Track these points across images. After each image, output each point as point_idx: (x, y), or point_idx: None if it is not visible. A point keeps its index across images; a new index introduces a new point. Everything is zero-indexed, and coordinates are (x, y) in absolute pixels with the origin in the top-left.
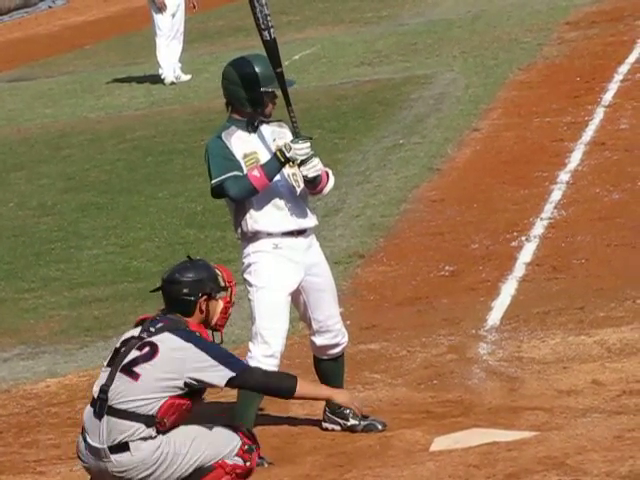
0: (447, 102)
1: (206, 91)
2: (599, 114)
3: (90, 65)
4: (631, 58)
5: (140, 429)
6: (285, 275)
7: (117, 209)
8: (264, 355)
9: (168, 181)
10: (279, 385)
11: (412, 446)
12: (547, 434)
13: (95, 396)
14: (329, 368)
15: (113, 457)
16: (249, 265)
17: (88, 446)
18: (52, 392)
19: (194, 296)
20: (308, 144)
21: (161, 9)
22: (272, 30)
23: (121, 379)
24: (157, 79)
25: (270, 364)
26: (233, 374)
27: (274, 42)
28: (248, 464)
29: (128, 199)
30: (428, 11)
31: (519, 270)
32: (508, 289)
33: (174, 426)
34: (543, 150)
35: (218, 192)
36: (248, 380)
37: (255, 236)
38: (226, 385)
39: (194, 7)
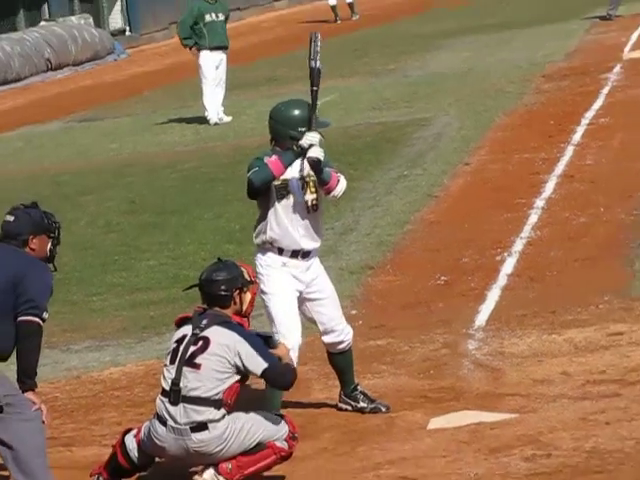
0: (443, 141)
1: (244, 130)
2: (569, 151)
3: (148, 108)
4: (596, 105)
5: (213, 412)
6: (290, 284)
7: (170, 227)
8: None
9: (212, 204)
10: (292, 378)
11: (412, 425)
12: (524, 416)
13: (168, 388)
14: (340, 360)
15: (193, 435)
16: (260, 274)
17: (169, 428)
18: (114, 378)
19: (229, 291)
20: (318, 136)
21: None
22: (318, 61)
23: (187, 372)
24: (203, 120)
25: (291, 356)
26: (266, 365)
27: (319, 71)
28: (291, 450)
29: (179, 219)
30: (427, 65)
31: (502, 280)
32: (493, 296)
33: (235, 407)
34: (522, 181)
35: (248, 187)
36: (277, 373)
37: (270, 248)
38: (260, 376)
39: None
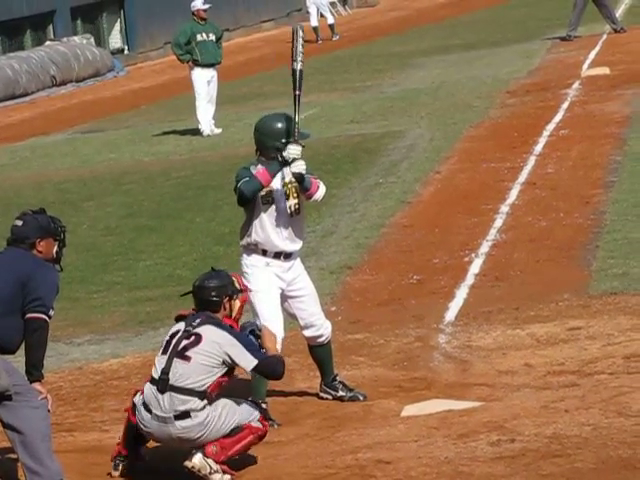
0: (416, 151)
1: (232, 141)
2: (531, 161)
3: (145, 121)
4: (556, 118)
5: (197, 402)
6: (273, 282)
7: (165, 230)
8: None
9: (203, 209)
10: (282, 369)
11: (387, 412)
12: (490, 404)
13: (157, 377)
14: (319, 352)
15: (177, 423)
16: (245, 273)
17: (154, 416)
18: (114, 369)
19: (219, 297)
20: (300, 148)
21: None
22: (301, 63)
23: (177, 363)
24: (196, 132)
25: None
26: (256, 361)
27: (301, 72)
28: (265, 429)
29: (173, 223)
30: (402, 82)
31: (470, 279)
32: (461, 294)
33: (216, 397)
34: (489, 188)
35: (239, 197)
36: (267, 367)
37: (254, 249)
38: (252, 370)
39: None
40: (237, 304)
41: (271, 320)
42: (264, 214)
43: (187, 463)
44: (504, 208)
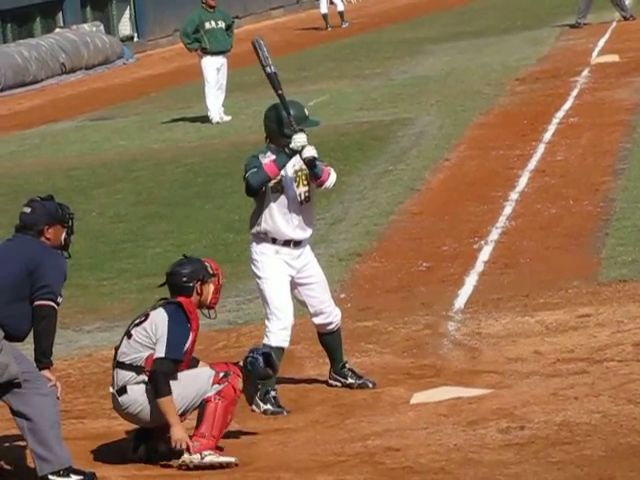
0: (425, 138)
1: (242, 128)
2: (541, 148)
3: (154, 108)
4: (566, 106)
5: (133, 376)
6: (282, 269)
7: (174, 218)
8: (279, 328)
9: (213, 197)
10: (162, 387)
11: (396, 400)
12: (499, 391)
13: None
14: (329, 340)
15: (119, 398)
16: (255, 260)
17: (110, 395)
18: None
19: (191, 282)
20: (305, 136)
21: (201, 57)
22: (272, 66)
23: (124, 341)
24: (206, 119)
25: (285, 334)
26: (162, 355)
27: (275, 74)
28: (229, 385)
29: (182, 210)
30: (411, 69)
31: (479, 266)
32: (470, 281)
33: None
34: (498, 175)
35: (246, 188)
36: (160, 367)
37: (264, 238)
38: (155, 360)
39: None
40: (210, 288)
41: (280, 307)
42: (274, 203)
43: (173, 463)
44: (513, 195)
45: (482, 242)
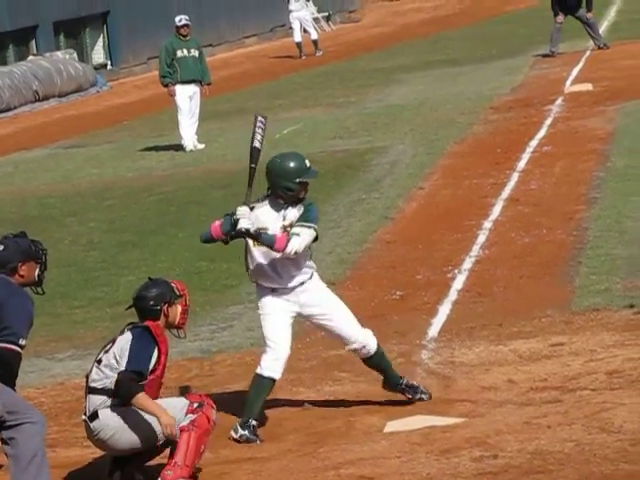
0: (399, 167)
1: (216, 156)
2: (514, 177)
3: (127, 136)
4: (539, 135)
5: (104, 400)
6: (281, 306)
7: (147, 246)
8: (272, 359)
9: (186, 225)
10: (130, 388)
11: (370, 428)
12: (473, 420)
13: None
14: (372, 364)
15: (91, 424)
16: (257, 295)
17: (83, 422)
18: None
19: (158, 305)
20: (244, 208)
21: (172, 95)
22: (260, 143)
23: (94, 367)
24: (179, 147)
25: (277, 365)
26: (123, 369)
27: (258, 151)
28: (202, 415)
29: (156, 238)
30: (385, 98)
31: (452, 295)
32: (444, 309)
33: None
34: (472, 204)
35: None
36: (124, 381)
37: (256, 282)
38: (118, 374)
39: (206, 93)
40: (178, 309)
41: (275, 340)
42: (255, 251)
43: None
44: (487, 224)
45: (456, 271)
